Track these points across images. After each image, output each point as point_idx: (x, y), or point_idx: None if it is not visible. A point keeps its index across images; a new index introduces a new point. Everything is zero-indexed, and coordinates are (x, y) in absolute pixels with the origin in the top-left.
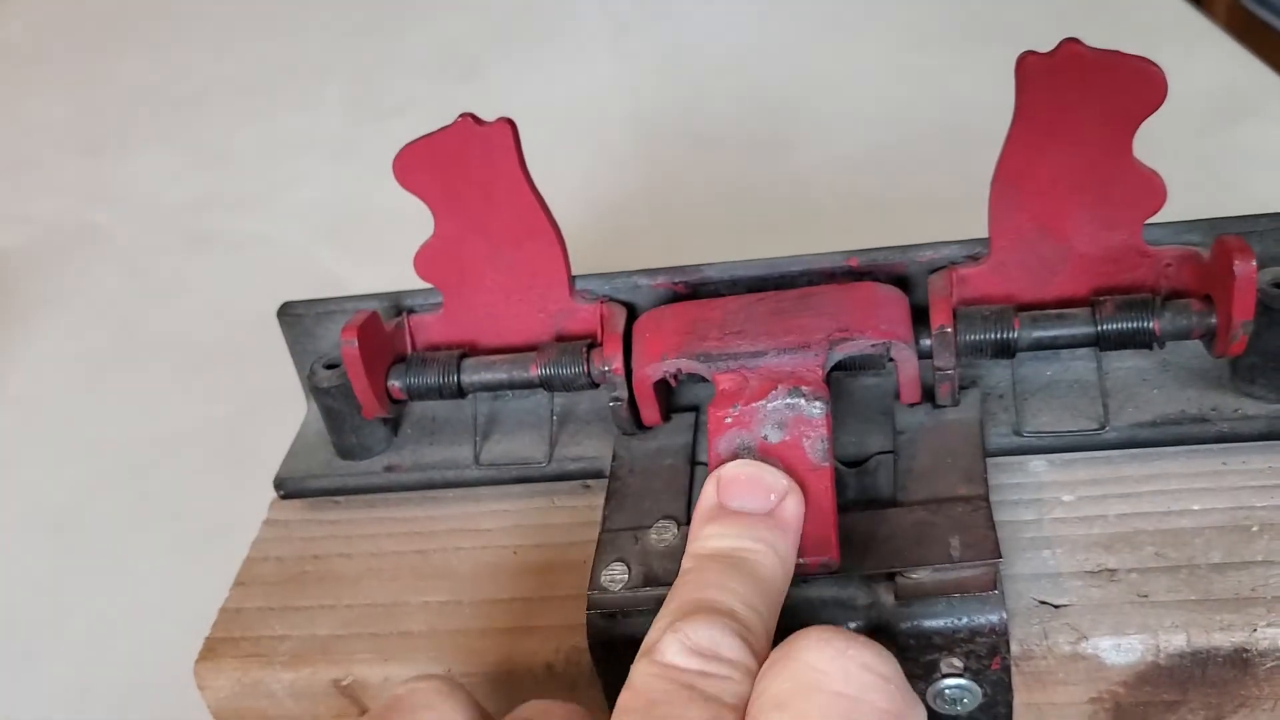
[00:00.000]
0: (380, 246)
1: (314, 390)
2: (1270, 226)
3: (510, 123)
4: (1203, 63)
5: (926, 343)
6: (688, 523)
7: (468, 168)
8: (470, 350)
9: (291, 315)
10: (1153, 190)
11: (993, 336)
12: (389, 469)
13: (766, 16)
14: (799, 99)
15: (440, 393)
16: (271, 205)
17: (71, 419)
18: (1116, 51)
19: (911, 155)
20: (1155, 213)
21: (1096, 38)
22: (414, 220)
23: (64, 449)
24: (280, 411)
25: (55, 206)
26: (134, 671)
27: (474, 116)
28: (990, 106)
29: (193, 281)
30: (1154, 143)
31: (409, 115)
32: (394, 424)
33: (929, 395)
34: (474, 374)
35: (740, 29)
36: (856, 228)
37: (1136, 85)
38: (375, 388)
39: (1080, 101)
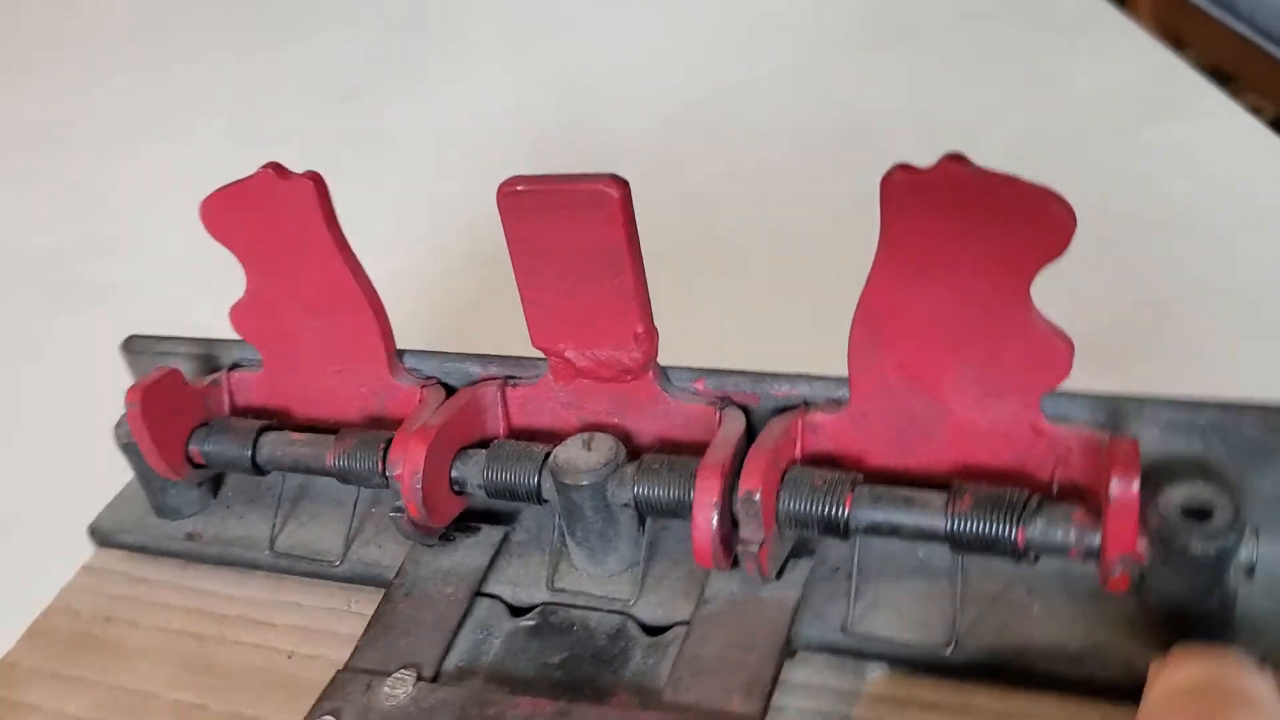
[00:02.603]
0: None
1: (120, 445)
2: (1216, 420)
3: (315, 178)
4: (1120, 60)
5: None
6: (435, 678)
7: (273, 223)
8: (284, 420)
9: (135, 351)
10: (1052, 357)
11: (820, 511)
12: (190, 536)
13: (665, 25)
14: (696, 111)
15: (237, 466)
16: (141, 249)
17: None
18: (1013, 178)
19: (813, 166)
20: (1053, 386)
21: (1008, 35)
22: None
23: None
24: None
25: None
26: None
27: (278, 167)
28: (895, 110)
29: (58, 335)
30: (1071, 142)
31: (290, 143)
32: (215, 484)
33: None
34: (273, 451)
35: (636, 39)
36: (751, 249)
37: (1035, 222)
38: (167, 453)
39: (962, 235)
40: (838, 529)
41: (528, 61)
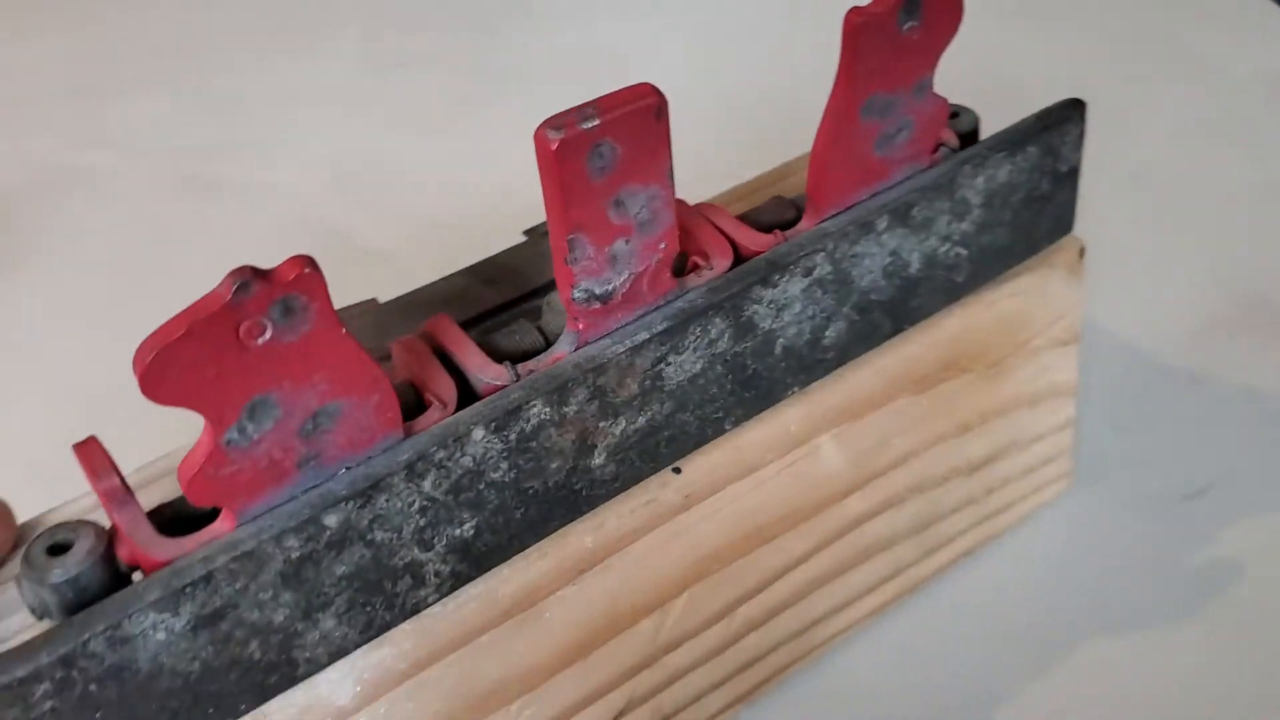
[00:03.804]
0: (387, 200)
1: None
2: None
3: None
4: (1273, 46)
5: None
6: None
7: None
8: None
9: None
10: None
11: None
12: None
13: None
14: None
15: None
16: (278, 154)
17: (60, 367)
18: None
19: None
20: None
21: (1156, 21)
22: (423, 175)
23: (52, 397)
24: None
25: (51, 148)
26: None
27: None
28: (1048, 80)
29: (193, 229)
30: (1227, 121)
31: (424, 66)
32: None
33: None
34: None
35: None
36: None
37: None
38: None
39: None
40: None
41: (665, 6)
